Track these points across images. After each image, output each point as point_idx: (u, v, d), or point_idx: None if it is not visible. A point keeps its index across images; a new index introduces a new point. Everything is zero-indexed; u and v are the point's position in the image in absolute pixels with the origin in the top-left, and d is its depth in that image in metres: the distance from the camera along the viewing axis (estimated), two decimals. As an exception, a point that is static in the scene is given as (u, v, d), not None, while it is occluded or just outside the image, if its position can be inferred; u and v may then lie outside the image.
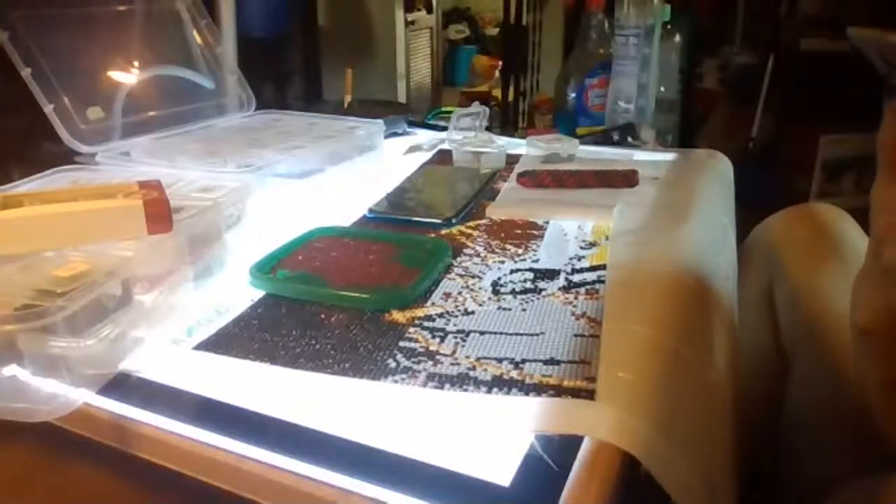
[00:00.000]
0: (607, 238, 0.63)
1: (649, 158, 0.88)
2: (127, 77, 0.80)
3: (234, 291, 0.54)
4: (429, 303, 0.52)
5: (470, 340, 0.46)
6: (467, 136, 0.92)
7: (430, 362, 0.44)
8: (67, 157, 0.70)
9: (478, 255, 0.60)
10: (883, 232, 0.40)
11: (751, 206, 0.92)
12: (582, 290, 0.53)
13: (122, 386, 0.43)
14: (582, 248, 0.62)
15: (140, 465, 0.40)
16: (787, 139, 2.33)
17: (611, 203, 0.69)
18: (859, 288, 0.43)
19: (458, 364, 0.43)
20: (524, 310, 0.50)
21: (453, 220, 0.68)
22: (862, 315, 0.42)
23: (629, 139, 1.03)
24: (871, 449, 0.57)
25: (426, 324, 0.49)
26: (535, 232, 0.66)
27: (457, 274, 0.57)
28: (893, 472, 0.51)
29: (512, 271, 0.57)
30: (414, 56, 2.43)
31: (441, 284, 0.55)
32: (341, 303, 0.51)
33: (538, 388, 0.41)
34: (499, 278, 0.56)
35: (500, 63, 2.62)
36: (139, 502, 0.42)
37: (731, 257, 0.69)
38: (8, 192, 0.56)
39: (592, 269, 0.57)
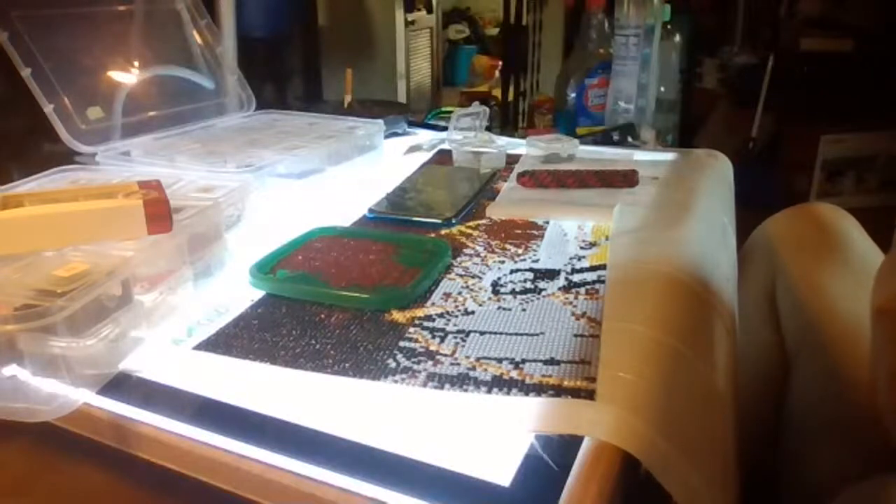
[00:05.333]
0: (607, 238, 0.63)
1: (649, 158, 0.88)
2: (127, 77, 0.80)
3: (234, 291, 0.54)
4: (429, 303, 0.52)
5: (470, 340, 0.46)
6: (467, 136, 0.92)
7: (430, 362, 0.44)
8: (67, 157, 0.70)
9: (478, 255, 0.60)
10: None
11: (751, 206, 0.92)
12: (582, 290, 0.53)
13: (122, 386, 0.43)
14: (582, 248, 0.62)
15: (140, 465, 0.40)
16: (787, 139, 2.33)
17: (611, 203, 0.69)
18: (881, 272, 0.43)
19: (458, 364, 0.43)
20: (524, 310, 0.50)
21: (453, 220, 0.68)
22: (880, 296, 0.42)
23: (629, 139, 1.03)
24: (874, 451, 0.57)
25: (426, 324, 0.49)
26: (535, 232, 0.66)
27: (457, 274, 0.57)
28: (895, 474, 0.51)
29: (512, 271, 0.57)
30: (414, 56, 2.43)
31: (441, 284, 0.55)
32: (341, 303, 0.51)
33: (538, 388, 0.41)
34: (499, 278, 0.56)
35: (500, 63, 2.63)
36: (139, 502, 0.42)
37: (731, 257, 0.69)
38: (8, 192, 0.56)
39: (592, 269, 0.57)
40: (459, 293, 0.53)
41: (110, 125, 0.76)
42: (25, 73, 0.69)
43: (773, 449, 0.71)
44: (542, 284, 0.54)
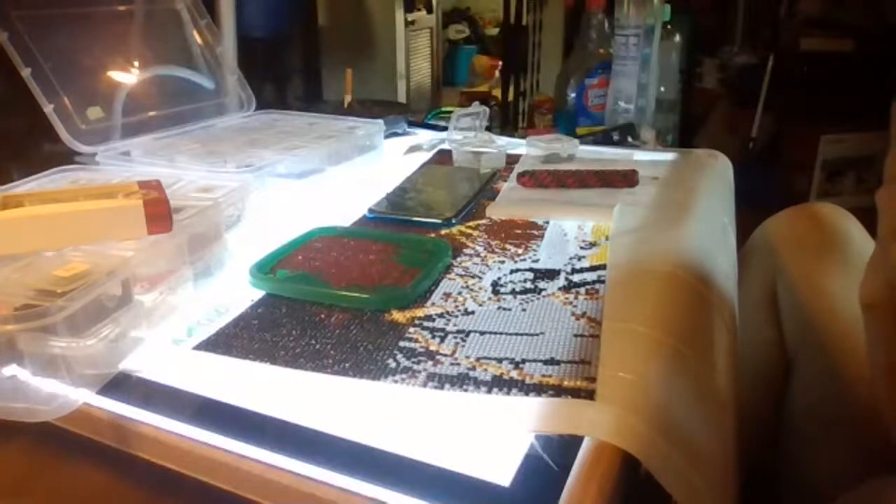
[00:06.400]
0: (607, 238, 0.63)
1: (649, 158, 0.88)
2: (127, 77, 0.80)
3: (234, 291, 0.54)
4: (429, 303, 0.52)
5: (470, 340, 0.46)
6: (467, 136, 0.92)
7: (430, 362, 0.44)
8: (67, 157, 0.70)
9: (478, 255, 0.60)
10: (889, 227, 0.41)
11: (751, 206, 0.92)
12: (582, 290, 0.53)
13: (122, 386, 0.43)
14: (582, 248, 0.62)
15: (140, 465, 0.40)
16: (787, 139, 2.33)
17: (611, 203, 0.69)
18: (867, 268, 0.45)
19: (458, 364, 0.43)
20: (524, 310, 0.50)
21: (453, 220, 0.68)
22: (864, 292, 0.44)
23: (629, 139, 1.03)
24: (874, 450, 0.57)
25: (426, 324, 0.49)
26: (535, 232, 0.66)
27: (457, 274, 0.57)
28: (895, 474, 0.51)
29: (512, 271, 0.57)
30: (414, 56, 2.43)
31: (441, 284, 0.55)
32: (341, 303, 0.51)
33: (538, 388, 0.41)
34: (499, 278, 0.56)
35: (500, 63, 2.63)
36: (139, 502, 0.42)
37: (731, 257, 0.69)
38: (8, 192, 0.56)
39: (592, 269, 0.57)
40: (459, 293, 0.53)
41: (110, 125, 0.76)
42: (25, 73, 0.69)
43: (773, 449, 0.71)
44: (542, 284, 0.54)
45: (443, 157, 0.92)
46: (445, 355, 0.44)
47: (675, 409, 0.41)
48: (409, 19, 2.33)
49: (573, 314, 0.49)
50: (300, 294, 0.53)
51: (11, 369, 0.40)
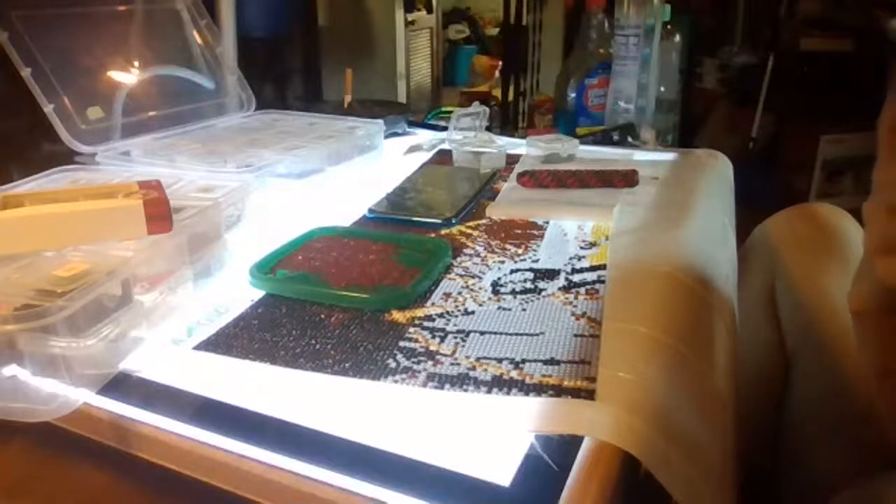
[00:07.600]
0: (607, 238, 0.63)
1: (649, 158, 0.88)
2: (127, 77, 0.80)
3: (234, 291, 0.54)
4: (429, 303, 0.52)
5: (470, 340, 0.46)
6: (467, 136, 0.92)
7: (430, 362, 0.44)
8: (67, 157, 0.70)
9: (478, 255, 0.60)
10: (876, 240, 0.42)
11: (751, 206, 0.92)
12: (582, 290, 0.53)
13: (122, 386, 0.43)
14: (582, 248, 0.62)
15: (140, 465, 0.40)
16: (787, 139, 2.33)
17: (611, 203, 0.69)
18: (854, 276, 0.45)
19: (458, 364, 0.43)
20: (524, 310, 0.50)
21: (453, 220, 0.68)
22: (853, 300, 0.45)
23: (629, 139, 1.03)
24: (873, 449, 0.57)
25: (426, 324, 0.49)
26: (535, 232, 0.66)
27: (457, 274, 0.57)
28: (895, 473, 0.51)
29: (512, 271, 0.57)
30: (414, 56, 2.43)
31: (441, 284, 0.55)
32: (341, 303, 0.51)
33: (538, 388, 0.41)
34: (499, 278, 0.56)
35: (500, 63, 2.63)
36: (139, 502, 0.42)
37: (731, 257, 0.69)
38: (8, 192, 0.56)
39: (592, 269, 0.57)
40: (459, 293, 0.53)
41: (110, 125, 0.76)
42: (25, 73, 0.69)
43: (773, 449, 0.71)
44: (542, 284, 0.54)
45: (443, 157, 0.92)
46: (445, 355, 0.44)
47: (675, 409, 0.41)
48: (409, 19, 2.34)
49: (573, 314, 0.49)
50: (300, 294, 0.53)
51: (11, 369, 0.40)
